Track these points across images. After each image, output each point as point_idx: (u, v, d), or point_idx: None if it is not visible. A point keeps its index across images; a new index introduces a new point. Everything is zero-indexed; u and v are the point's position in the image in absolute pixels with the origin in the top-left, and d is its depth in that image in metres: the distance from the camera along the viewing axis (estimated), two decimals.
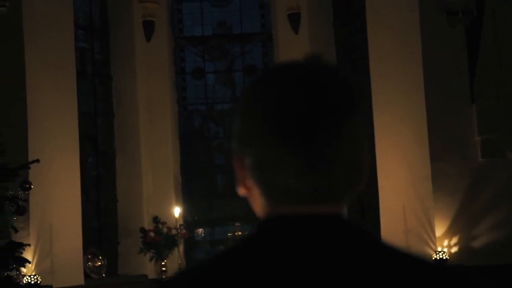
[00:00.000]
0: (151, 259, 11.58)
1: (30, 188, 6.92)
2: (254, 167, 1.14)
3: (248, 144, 1.14)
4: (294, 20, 12.48)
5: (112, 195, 11.99)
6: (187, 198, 12.56)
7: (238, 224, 12.55)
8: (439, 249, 10.25)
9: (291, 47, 12.44)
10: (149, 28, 12.32)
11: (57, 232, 10.07)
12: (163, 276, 11.25)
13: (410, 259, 1.16)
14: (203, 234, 12.82)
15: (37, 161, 7.11)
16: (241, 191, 1.19)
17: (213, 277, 1.11)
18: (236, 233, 12.52)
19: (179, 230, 11.68)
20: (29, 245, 7.15)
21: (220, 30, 13.08)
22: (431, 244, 10.37)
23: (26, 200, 6.91)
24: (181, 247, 11.84)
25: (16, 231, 6.81)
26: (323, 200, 1.13)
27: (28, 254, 8.99)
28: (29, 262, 7.31)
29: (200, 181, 12.64)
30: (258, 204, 1.17)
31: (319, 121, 1.11)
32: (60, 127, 10.45)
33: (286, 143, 1.10)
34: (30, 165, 8.07)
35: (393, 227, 10.74)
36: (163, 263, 11.53)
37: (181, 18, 12.94)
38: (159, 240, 11.54)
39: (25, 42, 9.96)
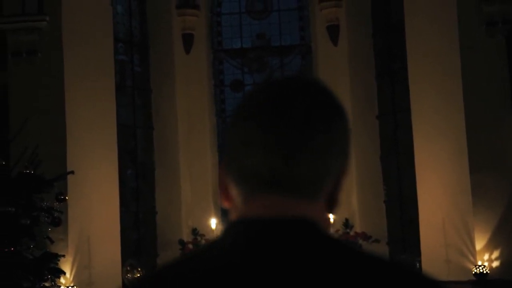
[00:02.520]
0: None
1: (65, 200, 6.99)
2: (228, 154, 1.18)
3: (230, 136, 1.19)
4: (334, 32, 12.46)
5: (151, 207, 12.07)
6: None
7: None
8: (479, 263, 10.07)
9: (331, 59, 12.42)
10: (188, 41, 12.42)
11: (95, 243, 10.16)
12: None
13: (375, 263, 1.13)
14: None
15: (72, 172, 7.19)
16: (224, 202, 1.21)
17: (169, 281, 1.14)
18: None
19: None
20: (63, 256, 7.22)
21: (259, 43, 13.11)
22: (471, 258, 10.20)
23: (62, 211, 6.99)
24: None
25: (52, 242, 6.89)
26: (286, 190, 1.14)
27: (66, 266, 9.10)
28: (64, 273, 7.38)
29: None
30: (234, 210, 1.19)
31: (294, 111, 1.14)
32: (99, 139, 10.56)
33: (257, 123, 1.14)
34: (68, 177, 8.18)
35: (433, 240, 10.61)
36: None
37: (220, 31, 13.01)
38: None
39: (64, 55, 10.11)
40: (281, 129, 1.13)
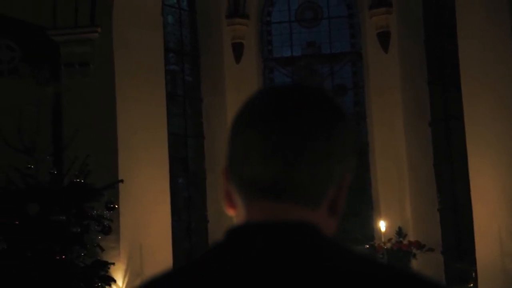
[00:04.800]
0: None
1: (114, 208, 7.07)
2: (230, 162, 1.17)
3: (232, 142, 1.18)
4: (384, 38, 12.35)
5: (203, 215, 12.12)
6: None
7: None
8: None
9: (381, 66, 12.32)
10: (238, 50, 12.47)
11: (147, 252, 10.24)
12: None
13: (376, 267, 1.11)
14: None
15: (121, 181, 7.28)
16: (228, 209, 1.22)
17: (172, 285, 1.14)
18: None
19: None
20: (113, 263, 7.30)
21: (309, 51, 13.08)
22: None
23: (111, 220, 7.07)
24: None
25: (102, 250, 6.98)
26: (287, 197, 1.13)
27: (118, 274, 9.19)
28: (115, 281, 7.45)
29: None
30: (237, 215, 1.19)
31: (293, 117, 1.13)
32: (150, 148, 10.66)
33: (257, 131, 1.14)
34: (119, 186, 8.29)
35: (488, 249, 10.41)
36: None
37: (270, 40, 13.03)
38: None
39: (115, 66, 10.25)
40: (280, 137, 1.12)
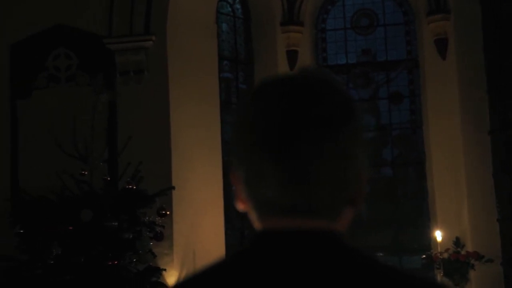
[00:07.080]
0: None
1: (166, 215, 7.09)
2: (243, 180, 1.15)
3: (238, 157, 1.15)
4: (441, 45, 12.16)
5: None
6: None
7: (382, 255, 12.22)
8: None
9: (438, 73, 12.13)
10: (292, 57, 12.43)
11: (200, 259, 10.23)
12: None
13: (401, 278, 1.06)
14: None
15: (173, 188, 7.30)
16: (239, 205, 1.19)
17: None
18: None
19: None
20: (165, 269, 7.32)
21: (364, 58, 12.96)
22: None
23: (163, 226, 7.10)
24: None
25: (154, 256, 7.01)
26: (307, 214, 1.10)
27: (171, 280, 9.22)
28: (167, 287, 7.47)
29: None
30: (253, 218, 1.17)
31: (302, 133, 1.08)
32: (203, 156, 10.68)
33: (268, 154, 1.09)
34: (173, 193, 8.32)
35: None
36: None
37: (325, 47, 12.95)
38: None
39: (169, 74, 10.31)
40: (293, 160, 1.08)
